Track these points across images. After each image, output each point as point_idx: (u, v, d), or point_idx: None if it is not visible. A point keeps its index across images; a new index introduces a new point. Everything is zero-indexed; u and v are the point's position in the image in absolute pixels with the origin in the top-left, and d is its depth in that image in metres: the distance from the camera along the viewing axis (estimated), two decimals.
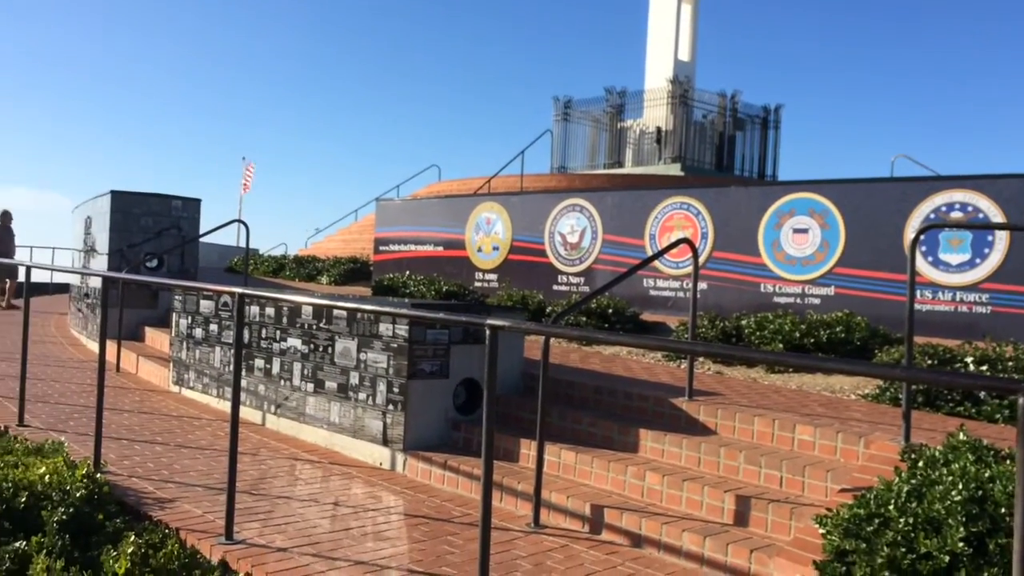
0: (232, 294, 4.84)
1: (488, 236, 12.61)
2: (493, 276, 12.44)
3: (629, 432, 5.56)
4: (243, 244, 13.13)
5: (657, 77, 20.03)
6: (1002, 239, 7.68)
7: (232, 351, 4.70)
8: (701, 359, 7.58)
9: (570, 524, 4.85)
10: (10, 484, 4.39)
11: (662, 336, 8.94)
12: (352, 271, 16.10)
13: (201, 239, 12.62)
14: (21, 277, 16.11)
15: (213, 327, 8.18)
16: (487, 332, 3.68)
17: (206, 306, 8.31)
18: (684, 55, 20.40)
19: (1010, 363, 5.99)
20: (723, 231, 9.74)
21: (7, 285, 16.45)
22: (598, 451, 5.44)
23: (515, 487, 5.18)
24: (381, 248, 14.62)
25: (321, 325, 6.80)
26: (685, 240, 6.35)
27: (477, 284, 12.56)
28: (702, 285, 9.62)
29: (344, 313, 6.56)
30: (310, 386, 6.85)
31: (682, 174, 18.40)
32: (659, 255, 6.58)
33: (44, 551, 3.86)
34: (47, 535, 4.01)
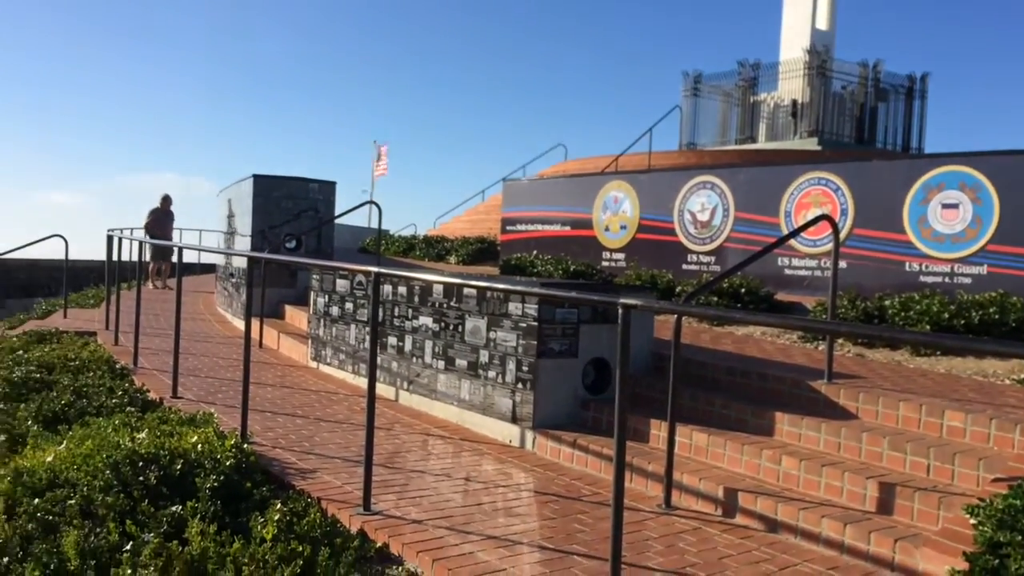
0: (368, 273, 4.98)
1: (615, 215, 12.49)
2: (620, 255, 12.33)
3: (764, 415, 5.41)
4: (375, 225, 13.53)
5: (793, 48, 19.27)
6: None
7: (366, 328, 4.84)
8: (840, 341, 7.28)
9: (702, 507, 4.77)
10: (167, 452, 4.68)
11: (800, 316, 8.64)
12: (480, 251, 16.30)
13: (335, 220, 13.05)
14: (174, 258, 17.13)
15: (348, 305, 8.46)
16: (619, 311, 3.63)
17: (341, 285, 8.59)
18: (822, 24, 19.54)
19: None
20: (864, 207, 9.30)
21: (164, 266, 17.50)
22: (731, 433, 5.32)
23: (645, 467, 5.13)
24: (508, 228, 14.72)
25: (451, 304, 6.92)
26: (825, 216, 6.11)
27: (604, 264, 12.48)
28: (841, 264, 9.21)
29: (474, 292, 6.65)
30: (441, 363, 6.99)
31: (819, 148, 17.68)
32: (797, 232, 6.36)
33: (198, 515, 4.10)
34: (200, 500, 4.25)
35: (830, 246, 6.00)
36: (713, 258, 10.98)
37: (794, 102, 18.80)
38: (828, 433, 5.02)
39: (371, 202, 13.79)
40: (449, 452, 5.86)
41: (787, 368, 6.26)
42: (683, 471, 4.96)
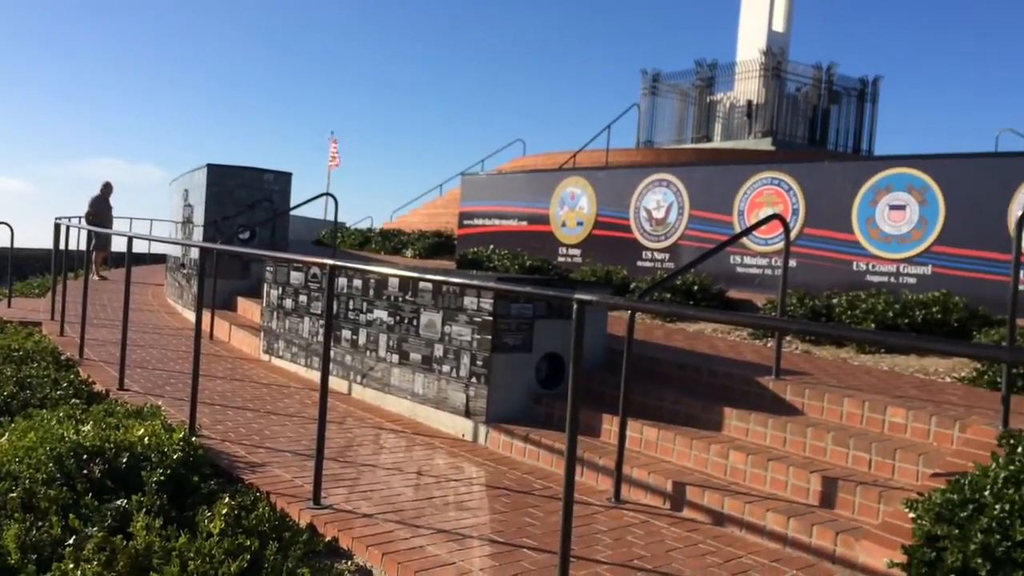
0: (323, 265, 4.95)
1: (572, 211, 12.55)
2: (577, 251, 12.39)
3: (713, 410, 5.49)
4: (331, 217, 13.43)
5: (749, 49, 19.49)
6: None
7: (320, 321, 4.81)
8: (788, 338, 7.41)
9: (651, 500, 4.83)
10: (112, 445, 4.60)
11: (750, 314, 8.77)
12: (436, 245, 16.26)
13: (290, 212, 12.93)
14: (116, 248, 16.79)
15: (302, 298, 8.39)
16: (575, 306, 3.66)
17: (296, 277, 8.52)
18: (778, 26, 19.80)
19: None
20: (815, 207, 9.47)
21: (99, 256, 17.08)
22: (681, 428, 5.39)
23: (596, 462, 5.18)
24: (465, 222, 14.71)
25: (407, 297, 6.90)
26: (776, 216, 6.21)
27: (560, 259, 12.54)
28: (792, 262, 9.37)
29: (430, 286, 6.64)
30: (395, 357, 6.97)
31: (773, 149, 17.92)
32: (748, 231, 6.45)
33: (144, 509, 4.04)
34: (146, 494, 4.20)
35: (781, 245, 6.10)
36: (668, 255, 11.09)
37: (749, 103, 19.03)
38: (775, 428, 5.12)
39: (327, 194, 13.68)
40: (401, 446, 5.86)
41: (737, 364, 6.35)
42: (633, 465, 5.01)
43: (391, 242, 17.21)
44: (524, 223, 13.43)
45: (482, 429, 6.05)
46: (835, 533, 4.04)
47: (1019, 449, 3.90)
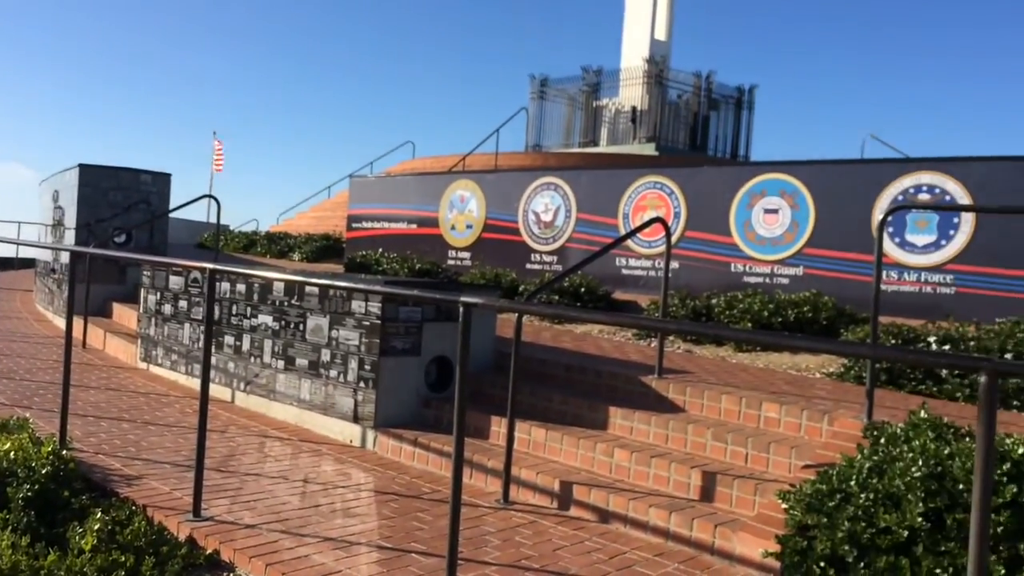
0: (203, 269, 4.80)
1: (462, 214, 12.58)
2: (467, 254, 12.43)
3: (599, 409, 5.60)
4: (214, 220, 13.01)
5: (633, 56, 19.98)
6: (968, 221, 7.78)
7: (201, 327, 4.67)
8: (671, 338, 7.64)
9: (539, 500, 4.89)
10: None
11: (634, 315, 8.99)
12: (325, 248, 16.01)
13: (171, 215, 12.48)
14: None
15: (182, 303, 8.12)
16: (460, 309, 3.68)
17: (175, 282, 8.23)
18: (660, 34, 20.36)
19: (972, 343, 6.10)
20: (696, 211, 9.78)
21: None
22: (568, 428, 5.48)
23: (485, 464, 5.21)
24: (354, 225, 14.54)
25: (292, 302, 6.77)
26: (658, 219, 6.38)
27: (450, 262, 12.55)
28: (674, 264, 9.68)
29: (316, 290, 6.53)
30: (281, 363, 6.83)
31: (656, 154, 18.42)
32: (632, 234, 6.61)
33: (9, 527, 3.84)
34: (12, 511, 3.98)
35: (664, 247, 6.28)
36: (556, 258, 11.25)
37: (634, 108, 19.50)
38: (657, 426, 5.26)
39: (209, 196, 13.25)
40: (287, 454, 5.74)
41: (622, 364, 6.50)
42: (522, 466, 5.07)
43: (277, 245, 16.85)
44: (414, 226, 13.37)
45: (371, 434, 6.00)
46: (714, 526, 4.19)
47: (882, 440, 4.14)
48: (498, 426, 5.65)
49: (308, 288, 6.60)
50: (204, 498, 4.40)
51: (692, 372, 6.27)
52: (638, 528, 4.44)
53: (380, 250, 13.26)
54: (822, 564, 3.72)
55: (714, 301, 8.18)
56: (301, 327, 6.67)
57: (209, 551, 3.98)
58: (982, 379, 2.31)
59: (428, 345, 6.27)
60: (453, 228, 12.69)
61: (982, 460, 2.32)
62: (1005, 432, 3.86)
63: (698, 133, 19.88)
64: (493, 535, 4.29)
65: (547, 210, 11.39)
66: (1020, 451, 3.63)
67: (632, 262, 10.31)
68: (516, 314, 5.29)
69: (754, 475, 4.63)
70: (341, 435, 6.20)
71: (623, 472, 4.97)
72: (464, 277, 11.10)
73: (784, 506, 3.98)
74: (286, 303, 6.83)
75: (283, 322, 6.84)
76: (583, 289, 9.26)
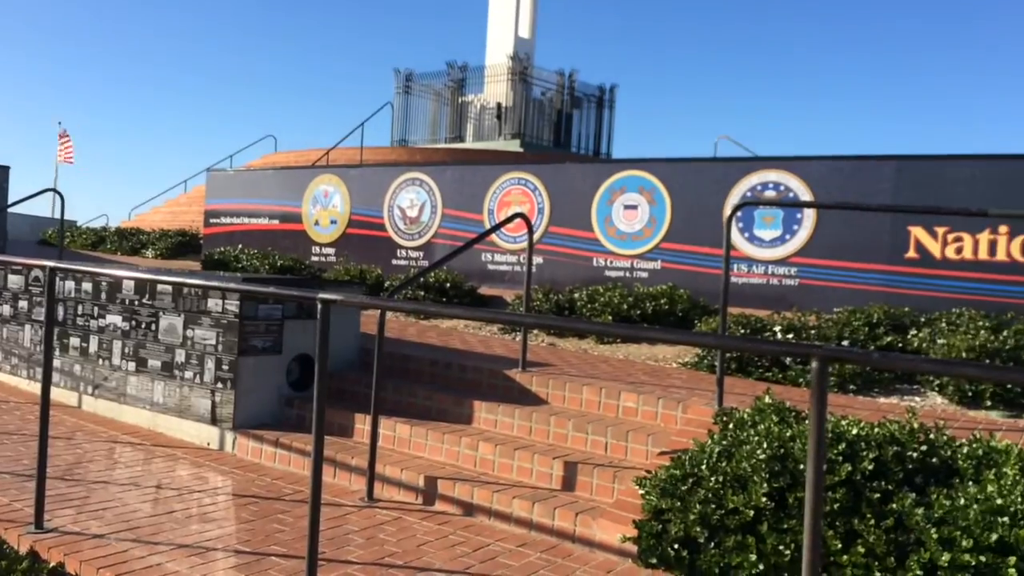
0: (43, 268, 4.53)
1: (326, 209, 12.36)
2: (331, 250, 12.22)
3: (464, 404, 5.63)
4: (58, 215, 12.29)
5: (498, 53, 20.14)
6: (809, 217, 8.27)
7: (43, 329, 4.41)
8: (536, 331, 7.76)
9: (404, 497, 4.88)
10: None
11: (498, 309, 9.08)
12: (181, 244, 15.40)
13: (10, 210, 11.70)
14: None
15: (22, 303, 7.63)
16: (319, 306, 3.65)
17: (14, 281, 7.72)
18: (524, 32, 20.60)
19: (813, 331, 6.49)
20: (559, 207, 9.97)
21: None
22: (433, 424, 5.49)
23: (349, 462, 5.15)
24: (212, 221, 14.04)
25: (144, 301, 6.48)
26: (520, 215, 6.46)
27: (314, 259, 12.31)
28: (538, 259, 9.84)
29: (169, 288, 6.28)
30: (132, 365, 6.52)
31: (521, 150, 18.64)
32: (494, 230, 6.68)
33: None
34: None
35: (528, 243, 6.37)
36: (422, 253, 11.22)
37: (499, 105, 19.66)
38: (521, 418, 5.34)
39: (52, 190, 12.49)
40: (139, 460, 5.49)
41: (486, 359, 6.56)
42: (386, 463, 5.04)
43: (129, 242, 16.07)
44: (276, 221, 13.04)
45: (229, 436, 5.82)
46: (575, 514, 4.30)
47: (731, 426, 4.35)
48: (362, 423, 5.59)
49: (160, 287, 6.33)
50: (47, 509, 4.16)
51: (555, 365, 6.40)
52: (502, 520, 4.50)
53: (240, 246, 12.86)
54: (676, 546, 3.88)
55: (577, 295, 8.37)
56: (154, 327, 6.39)
57: (53, 564, 3.77)
58: (814, 365, 2.47)
59: (290, 343, 6.13)
60: (317, 224, 12.46)
61: (815, 440, 2.47)
62: (842, 414, 4.14)
63: (562, 130, 20.25)
64: (356, 533, 4.25)
65: (413, 206, 11.34)
66: (854, 432, 3.90)
67: (498, 257, 10.40)
68: (379, 310, 5.25)
69: (613, 463, 4.77)
70: (198, 438, 5.99)
71: (488, 465, 5.02)
72: (328, 274, 10.92)
73: (641, 492, 4.12)
74: (137, 302, 6.53)
75: (134, 322, 6.54)
76: (449, 284, 9.28)
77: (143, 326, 6.47)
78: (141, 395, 6.44)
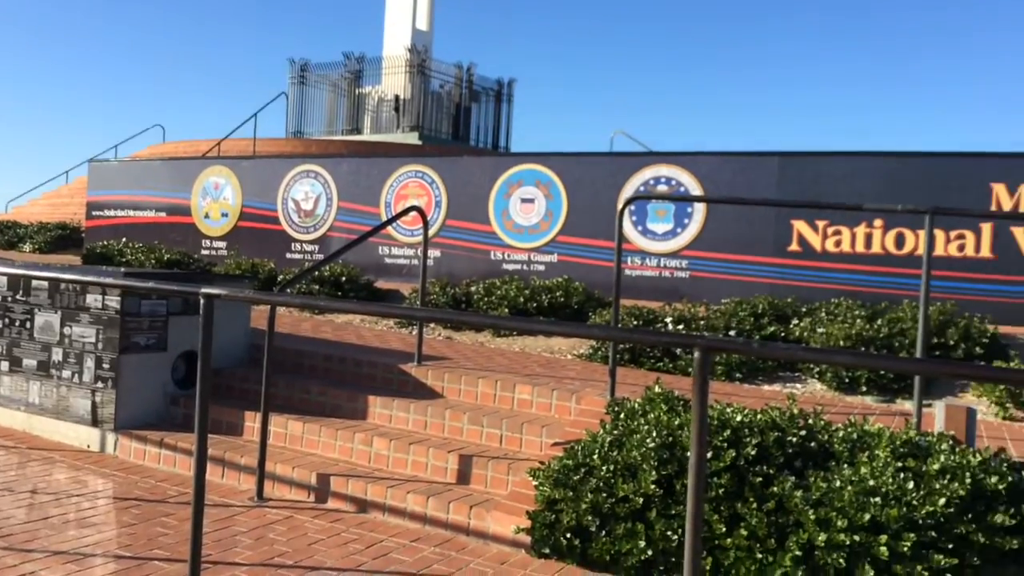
0: None
1: (216, 202, 11.99)
2: (222, 244, 11.87)
3: (358, 399, 5.56)
4: None
5: (396, 45, 19.92)
6: (700, 211, 8.49)
7: None
8: (433, 325, 7.72)
9: (296, 495, 4.78)
10: None
11: (394, 303, 9.00)
12: (61, 238, 14.68)
13: None
14: None
15: None
16: (201, 301, 3.54)
17: None
18: (422, 24, 20.44)
19: (702, 322, 6.67)
20: (456, 200, 9.94)
21: None
22: (327, 420, 5.39)
23: (238, 461, 5.01)
24: (95, 213, 13.45)
25: (18, 297, 6.15)
26: (415, 208, 6.41)
27: (205, 252, 11.94)
28: (436, 253, 9.80)
29: (45, 284, 5.97)
30: (5, 365, 6.18)
31: (419, 143, 18.51)
32: (389, 222, 6.61)
33: None
34: None
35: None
36: (317, 247, 11.02)
37: (397, 97, 19.46)
38: (416, 412, 5.31)
39: None
40: (13, 463, 5.21)
41: (382, 353, 6.49)
42: (277, 461, 4.93)
43: (5, 236, 15.24)
44: (163, 214, 12.59)
45: (111, 437, 5.58)
46: (469, 507, 4.30)
47: (622, 415, 4.43)
48: (252, 421, 5.45)
49: (36, 283, 6.02)
50: None
51: (451, 358, 6.38)
52: (396, 515, 4.46)
53: (125, 240, 12.35)
54: (568, 535, 3.93)
55: (474, 288, 8.37)
56: (28, 325, 6.07)
57: None
58: (696, 355, 2.53)
59: (176, 340, 5.93)
60: (207, 216, 12.08)
61: (697, 427, 2.53)
62: (728, 402, 4.26)
63: (460, 123, 20.20)
64: (245, 534, 4.14)
65: (307, 198, 11.13)
66: (739, 419, 4.02)
67: (395, 251, 10.31)
68: (269, 305, 5.13)
69: (508, 455, 4.80)
70: (77, 440, 5.73)
71: (382, 461, 4.96)
72: (219, 268, 10.61)
73: (535, 483, 4.15)
74: (10, 299, 6.19)
75: (7, 320, 6.19)
76: (345, 278, 9.14)
77: (17, 324, 6.14)
78: (15, 396, 6.11)
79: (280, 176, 11.39)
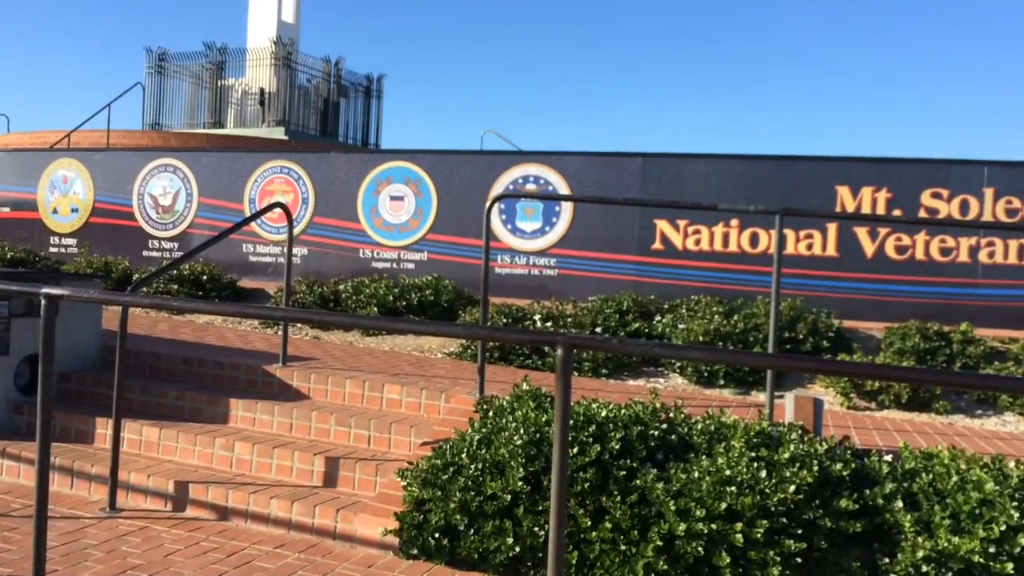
0: None
1: (65, 196, 11.31)
2: (72, 241, 11.21)
3: (219, 403, 5.36)
4: None
5: (260, 36, 19.33)
6: (567, 210, 8.63)
7: None
8: (299, 325, 7.54)
9: (152, 504, 4.57)
10: None
11: (257, 303, 8.74)
12: None
13: None
14: None
15: None
16: (43, 302, 3.32)
17: None
18: (288, 16, 19.92)
19: (569, 319, 6.79)
20: (324, 197, 9.74)
21: None
22: (185, 425, 5.18)
23: (88, 470, 4.75)
24: None
25: None
26: (278, 204, 6.23)
27: (53, 250, 11.24)
28: (303, 251, 9.58)
29: None
30: None
31: (286, 138, 18.03)
32: (252, 219, 6.41)
33: None
34: None
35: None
36: (177, 244, 10.56)
37: (262, 90, 18.90)
38: (281, 415, 5.17)
39: None
40: None
41: (245, 355, 6.28)
42: (131, 469, 4.70)
43: None
44: (7, 209, 11.77)
45: None
46: (336, 510, 4.22)
47: (491, 413, 4.45)
48: (104, 428, 5.17)
49: None
50: None
51: (318, 359, 6.25)
52: (259, 522, 4.33)
53: None
54: (437, 535, 3.92)
55: (342, 287, 8.22)
56: None
57: None
58: (559, 352, 2.56)
59: (18, 344, 5.55)
60: (55, 212, 11.38)
61: (560, 422, 2.57)
62: (593, 398, 4.34)
63: (329, 119, 19.82)
64: (96, 547, 3.92)
65: (165, 193, 10.65)
66: (604, 414, 4.11)
67: (260, 248, 10.01)
68: (120, 306, 4.88)
69: (376, 456, 4.74)
70: None
71: (245, 466, 4.81)
72: (68, 266, 10.01)
73: (403, 484, 4.12)
74: None
75: None
76: (206, 277, 8.80)
77: None
78: None
79: (136, 170, 10.86)
